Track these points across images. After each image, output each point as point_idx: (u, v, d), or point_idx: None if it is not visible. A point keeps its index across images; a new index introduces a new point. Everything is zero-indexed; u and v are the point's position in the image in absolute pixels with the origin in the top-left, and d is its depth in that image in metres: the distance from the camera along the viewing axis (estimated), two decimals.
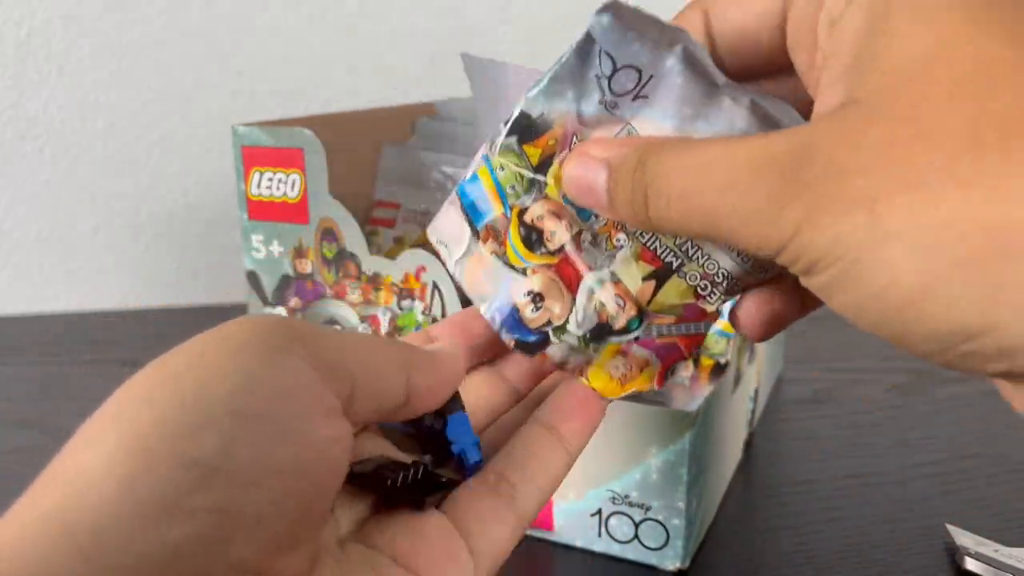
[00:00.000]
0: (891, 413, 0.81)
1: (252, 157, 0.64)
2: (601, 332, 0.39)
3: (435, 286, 0.61)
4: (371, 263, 0.62)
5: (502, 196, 0.38)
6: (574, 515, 0.59)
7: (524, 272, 0.39)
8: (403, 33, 1.14)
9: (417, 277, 0.61)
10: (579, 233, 0.39)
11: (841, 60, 0.31)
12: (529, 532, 0.60)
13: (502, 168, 0.38)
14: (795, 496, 0.66)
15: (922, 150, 0.27)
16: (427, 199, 0.79)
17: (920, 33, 0.29)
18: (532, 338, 0.39)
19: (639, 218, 0.34)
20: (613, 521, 0.57)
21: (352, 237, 0.62)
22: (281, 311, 0.67)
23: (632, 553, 0.57)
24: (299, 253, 0.64)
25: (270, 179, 0.64)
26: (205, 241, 1.16)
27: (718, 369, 0.60)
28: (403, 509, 0.35)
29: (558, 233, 0.39)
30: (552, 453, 0.39)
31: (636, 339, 0.40)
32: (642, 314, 0.39)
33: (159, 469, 0.25)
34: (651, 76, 0.36)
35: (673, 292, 0.39)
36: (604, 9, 0.36)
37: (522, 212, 0.39)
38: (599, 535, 0.58)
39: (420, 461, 0.36)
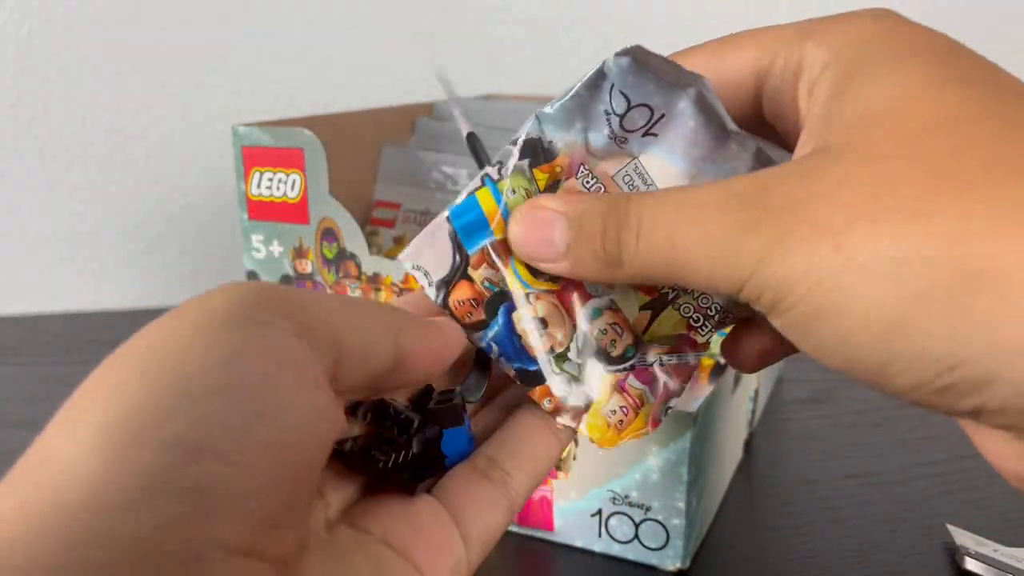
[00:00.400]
0: (891, 413, 0.81)
1: (252, 157, 0.64)
2: (599, 359, 0.39)
3: None
4: (371, 263, 0.62)
5: (506, 215, 0.38)
6: (574, 515, 0.59)
7: (527, 298, 0.38)
8: (403, 33, 1.14)
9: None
10: None
11: (814, 119, 0.33)
12: (529, 532, 0.60)
13: (513, 192, 0.38)
14: (795, 496, 0.66)
15: (883, 187, 0.28)
16: (427, 199, 0.79)
17: (882, 89, 0.31)
18: (533, 367, 0.39)
19: (605, 265, 0.35)
20: (613, 521, 0.57)
21: (352, 237, 0.62)
22: None
23: (632, 553, 0.57)
24: (299, 253, 0.64)
25: (270, 179, 0.64)
26: (205, 241, 1.16)
27: (718, 369, 0.60)
28: (393, 492, 0.35)
29: None
30: (545, 439, 0.39)
31: (632, 367, 0.39)
32: (637, 343, 0.39)
33: (138, 451, 0.25)
34: (663, 115, 0.37)
35: (668, 323, 0.39)
36: (624, 53, 0.36)
37: None
38: (599, 535, 0.58)
39: (411, 442, 0.36)
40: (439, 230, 0.39)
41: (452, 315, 0.38)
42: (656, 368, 0.40)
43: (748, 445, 0.74)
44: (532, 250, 0.36)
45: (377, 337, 0.33)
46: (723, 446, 0.63)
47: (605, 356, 0.39)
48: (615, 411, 0.39)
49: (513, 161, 0.37)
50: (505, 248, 0.38)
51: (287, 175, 0.63)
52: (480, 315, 0.38)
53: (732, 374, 0.62)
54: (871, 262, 0.27)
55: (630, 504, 0.56)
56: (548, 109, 0.37)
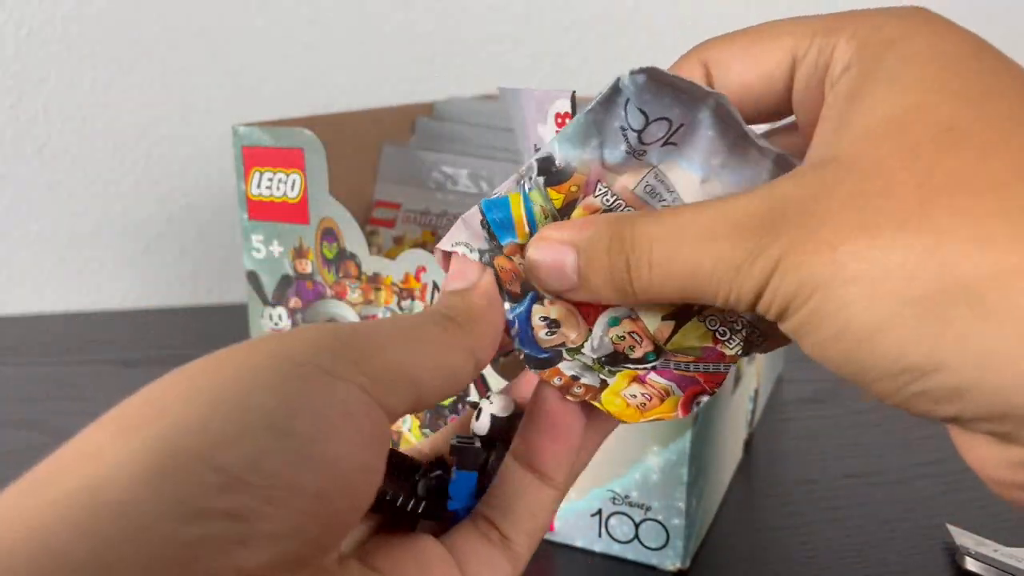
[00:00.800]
0: (891, 413, 0.81)
1: (252, 157, 0.64)
2: (616, 359, 0.39)
3: (435, 286, 0.61)
4: (371, 263, 0.62)
5: (532, 227, 0.38)
6: (574, 515, 0.59)
7: (543, 299, 0.39)
8: (403, 33, 1.14)
9: (417, 277, 0.61)
10: None
11: (828, 122, 0.33)
12: None
13: (536, 204, 0.38)
14: (795, 496, 0.66)
15: (880, 202, 0.29)
16: (427, 199, 0.79)
17: (895, 98, 0.31)
18: (543, 355, 0.39)
19: (620, 292, 0.35)
20: (613, 521, 0.57)
21: (352, 237, 0.62)
22: (281, 311, 0.67)
23: (632, 553, 0.57)
24: (299, 253, 0.64)
25: (270, 179, 0.64)
26: (205, 241, 1.16)
27: None
28: (402, 531, 0.35)
29: None
30: (537, 493, 0.38)
31: (654, 368, 0.39)
32: (659, 350, 0.39)
33: (185, 469, 0.25)
34: (682, 125, 0.37)
35: (692, 334, 0.39)
36: (640, 71, 0.36)
37: None
38: (599, 535, 0.58)
39: (416, 485, 0.36)
40: (472, 217, 0.39)
41: (497, 277, 0.39)
42: (678, 371, 0.39)
43: (748, 445, 0.74)
44: (548, 281, 0.36)
45: (455, 363, 0.34)
46: (723, 446, 0.63)
47: (623, 358, 0.39)
48: (636, 395, 0.39)
49: (534, 177, 0.38)
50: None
51: (287, 175, 0.63)
52: (518, 288, 0.39)
53: (732, 374, 0.62)
54: (860, 272, 0.28)
55: (630, 504, 0.56)
56: (565, 130, 0.37)
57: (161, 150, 1.12)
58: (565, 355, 0.39)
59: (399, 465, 0.37)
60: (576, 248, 0.35)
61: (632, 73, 0.36)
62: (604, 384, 0.39)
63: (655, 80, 0.36)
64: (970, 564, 0.56)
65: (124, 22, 1.08)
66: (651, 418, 0.39)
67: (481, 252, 0.39)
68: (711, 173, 0.37)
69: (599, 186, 0.38)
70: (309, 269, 0.64)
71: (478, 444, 0.38)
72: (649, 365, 0.39)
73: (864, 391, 0.31)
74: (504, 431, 0.40)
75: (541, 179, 0.38)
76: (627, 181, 0.38)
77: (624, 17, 1.17)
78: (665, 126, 0.37)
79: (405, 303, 0.62)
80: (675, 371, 0.39)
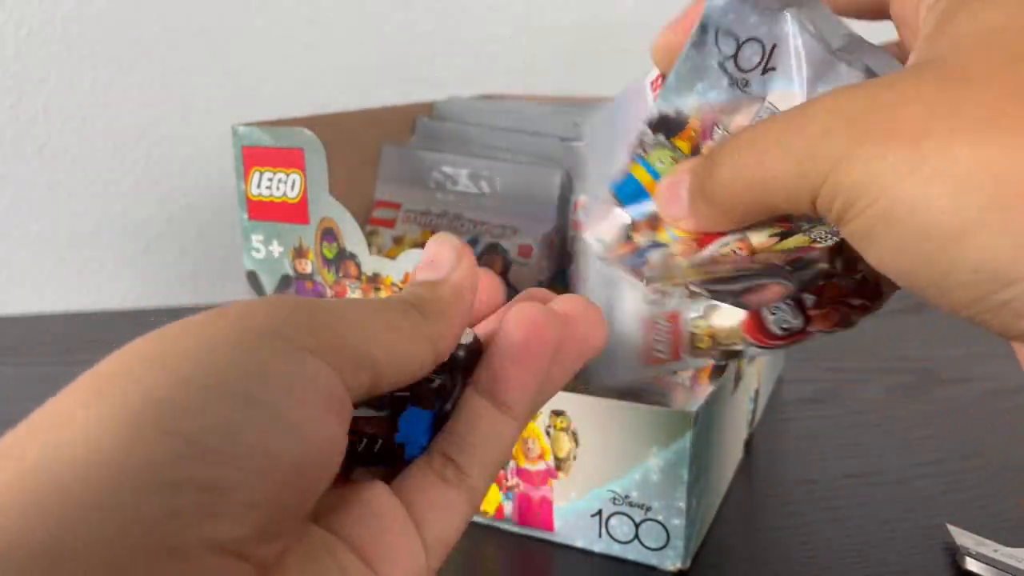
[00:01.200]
0: (891, 413, 0.81)
1: (252, 157, 0.64)
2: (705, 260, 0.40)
3: None
4: (371, 263, 0.62)
5: None
6: (574, 515, 0.59)
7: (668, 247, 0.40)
8: (403, 33, 1.14)
9: None
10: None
11: (925, 34, 0.33)
12: (529, 532, 0.60)
13: (661, 162, 0.39)
14: (795, 496, 0.66)
15: (969, 97, 0.28)
16: (427, 199, 0.79)
17: (992, 11, 0.30)
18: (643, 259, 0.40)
19: (713, 209, 0.36)
20: (613, 521, 0.57)
21: (352, 237, 0.62)
22: None
23: (632, 553, 0.57)
24: (299, 253, 0.64)
25: (270, 179, 0.63)
26: (205, 241, 1.16)
27: (718, 369, 0.60)
28: (349, 483, 0.34)
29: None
30: (496, 423, 0.36)
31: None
32: (753, 253, 0.39)
33: (154, 439, 0.25)
34: (774, 46, 0.37)
35: (792, 243, 0.38)
36: None
37: None
38: (599, 535, 0.58)
39: (376, 434, 0.35)
40: (608, 202, 0.40)
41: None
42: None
43: (748, 445, 0.74)
44: (669, 210, 0.38)
45: (416, 354, 0.33)
46: (723, 446, 0.63)
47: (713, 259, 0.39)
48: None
49: (649, 139, 0.39)
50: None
51: (287, 175, 0.63)
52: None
53: (732, 374, 0.62)
54: (944, 168, 0.27)
55: (630, 504, 0.56)
56: (668, 83, 0.38)
57: (161, 150, 1.12)
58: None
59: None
60: (690, 174, 0.37)
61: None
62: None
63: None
64: (970, 564, 0.56)
65: (124, 22, 1.08)
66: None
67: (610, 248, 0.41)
68: (807, 85, 0.37)
69: (715, 129, 0.38)
70: (309, 269, 0.64)
71: (435, 380, 0.36)
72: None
73: (932, 301, 0.30)
74: (463, 364, 0.38)
75: (661, 136, 0.38)
76: (741, 120, 0.38)
77: (623, 17, 1.17)
78: (759, 49, 0.37)
79: None
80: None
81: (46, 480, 0.24)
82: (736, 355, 0.47)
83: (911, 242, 0.28)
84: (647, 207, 0.40)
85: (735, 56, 0.37)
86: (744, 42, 0.37)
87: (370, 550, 0.33)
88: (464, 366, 0.37)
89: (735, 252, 0.38)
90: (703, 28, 0.37)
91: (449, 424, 0.36)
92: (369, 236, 0.74)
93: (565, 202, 0.73)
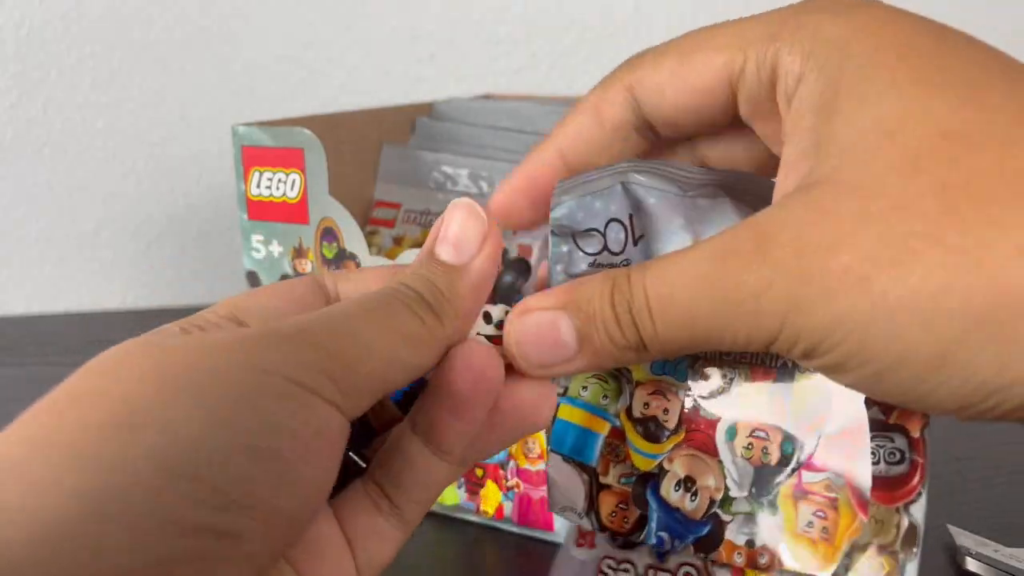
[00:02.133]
0: None
1: (252, 157, 0.64)
2: (762, 480, 0.37)
3: None
4: (371, 263, 0.62)
5: (601, 414, 0.37)
6: None
7: (661, 469, 0.37)
8: (403, 33, 1.14)
9: None
10: (686, 396, 0.37)
11: (800, 140, 0.31)
12: (529, 532, 0.60)
13: (584, 388, 0.37)
14: None
15: (899, 221, 0.27)
16: (427, 199, 0.79)
17: (872, 107, 0.29)
18: (706, 529, 0.37)
19: (628, 349, 0.32)
20: None
21: (352, 237, 0.62)
22: None
23: None
24: (299, 253, 0.64)
25: (270, 179, 0.63)
26: (205, 241, 1.16)
27: None
28: None
29: (671, 409, 0.37)
30: (430, 467, 0.35)
31: (799, 465, 0.36)
32: (790, 437, 0.36)
33: (177, 484, 0.25)
34: (630, 216, 0.35)
35: (812, 394, 0.36)
36: (555, 204, 0.35)
37: (628, 412, 0.37)
38: None
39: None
40: (553, 468, 0.38)
41: (612, 532, 0.37)
42: (820, 450, 0.36)
43: None
44: (541, 358, 0.34)
45: (426, 359, 0.33)
46: None
47: (768, 470, 0.37)
48: (811, 522, 0.36)
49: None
50: (617, 435, 0.37)
51: (287, 175, 0.63)
52: (635, 513, 0.37)
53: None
54: (906, 302, 0.27)
55: None
56: None
57: (161, 150, 1.12)
58: (722, 514, 0.37)
59: None
60: (568, 311, 0.33)
61: (553, 210, 0.35)
62: (780, 529, 0.36)
63: (569, 194, 0.35)
64: (971, 564, 0.56)
65: (124, 22, 1.08)
66: (845, 541, 0.36)
67: (587, 515, 0.38)
68: (685, 231, 0.35)
69: None
70: (309, 269, 0.64)
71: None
72: (792, 465, 0.36)
73: (916, 410, 0.30)
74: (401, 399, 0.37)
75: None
76: None
77: (624, 18, 1.17)
78: (618, 227, 0.35)
79: None
80: (815, 458, 0.36)
81: (76, 508, 0.24)
82: None
83: (888, 372, 0.28)
84: (599, 443, 0.37)
85: (604, 248, 0.35)
86: (605, 229, 0.35)
87: (307, 571, 0.33)
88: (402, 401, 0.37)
89: (757, 437, 0.37)
90: (559, 239, 0.35)
91: (383, 456, 0.35)
92: (369, 236, 0.74)
93: None
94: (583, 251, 0.35)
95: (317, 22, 1.12)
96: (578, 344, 0.33)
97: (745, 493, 0.37)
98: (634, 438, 0.37)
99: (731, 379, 0.36)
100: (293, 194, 0.63)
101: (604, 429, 0.37)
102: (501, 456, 0.61)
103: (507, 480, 0.61)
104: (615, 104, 0.37)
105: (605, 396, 0.37)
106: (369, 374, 0.30)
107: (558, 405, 0.37)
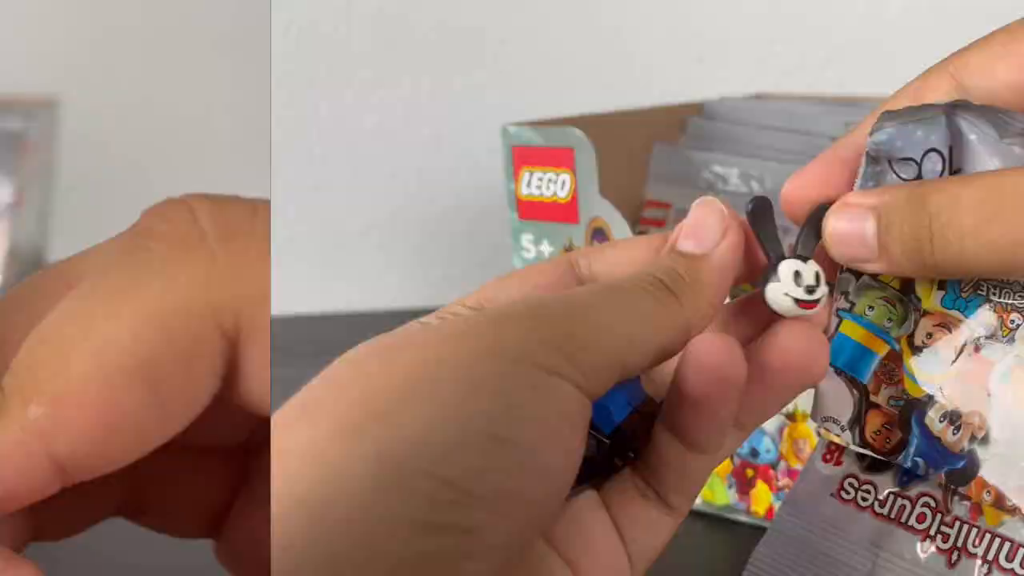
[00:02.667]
0: None
1: (522, 157, 0.64)
2: None
3: None
4: None
5: (882, 335, 0.36)
6: None
7: (931, 398, 0.36)
8: (674, 33, 1.14)
9: None
10: (972, 334, 0.36)
11: None
12: None
13: (871, 308, 0.36)
14: None
15: None
16: (697, 199, 0.78)
17: None
18: (961, 464, 0.35)
19: (918, 262, 0.32)
20: None
21: (622, 237, 0.62)
22: None
23: None
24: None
25: (540, 179, 0.64)
26: (474, 241, 1.18)
27: None
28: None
29: (953, 343, 0.36)
30: (688, 461, 0.33)
31: None
32: None
33: (413, 481, 0.25)
34: (950, 148, 0.35)
35: None
36: (877, 127, 0.35)
37: (910, 338, 0.37)
38: None
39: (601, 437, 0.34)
40: (829, 377, 0.37)
41: (873, 450, 0.37)
42: None
43: None
44: (848, 250, 0.34)
45: (667, 343, 0.32)
46: None
47: None
48: None
49: (853, 284, 0.36)
50: (895, 357, 0.36)
51: (557, 175, 0.63)
52: (897, 435, 0.36)
53: None
54: None
55: None
56: None
57: (430, 150, 1.15)
58: (979, 452, 0.35)
59: None
60: (874, 212, 0.33)
61: (872, 133, 0.35)
62: None
63: (892, 121, 0.35)
64: None
65: (393, 21, 1.11)
66: None
67: (851, 428, 0.37)
68: (1000, 161, 0.34)
69: None
70: None
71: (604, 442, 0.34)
72: None
73: None
74: (632, 432, 0.35)
75: (867, 277, 0.36)
76: None
77: (893, 17, 1.13)
78: (938, 158, 0.35)
79: None
80: None
81: (318, 516, 0.25)
82: None
83: None
84: (875, 362, 0.37)
85: (918, 177, 0.35)
86: (923, 157, 0.34)
87: (579, 564, 0.32)
88: (633, 436, 0.35)
89: None
90: (874, 161, 0.35)
91: (644, 452, 0.34)
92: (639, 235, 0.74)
93: None
94: (897, 175, 0.35)
95: (586, 23, 1.13)
96: (878, 249, 0.33)
97: (1006, 436, 0.35)
98: (911, 366, 0.36)
99: (1019, 325, 0.35)
100: (563, 194, 0.63)
101: (882, 350, 0.37)
102: (772, 456, 0.60)
103: (778, 480, 0.60)
104: (938, 91, 0.36)
105: (890, 319, 0.36)
106: (607, 351, 0.30)
107: (840, 321, 0.37)
